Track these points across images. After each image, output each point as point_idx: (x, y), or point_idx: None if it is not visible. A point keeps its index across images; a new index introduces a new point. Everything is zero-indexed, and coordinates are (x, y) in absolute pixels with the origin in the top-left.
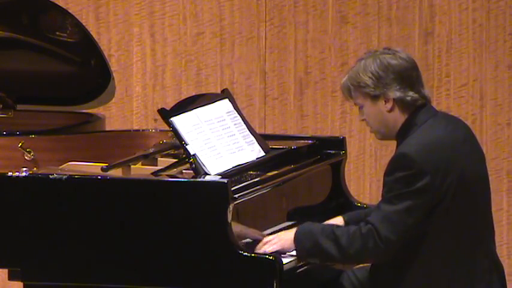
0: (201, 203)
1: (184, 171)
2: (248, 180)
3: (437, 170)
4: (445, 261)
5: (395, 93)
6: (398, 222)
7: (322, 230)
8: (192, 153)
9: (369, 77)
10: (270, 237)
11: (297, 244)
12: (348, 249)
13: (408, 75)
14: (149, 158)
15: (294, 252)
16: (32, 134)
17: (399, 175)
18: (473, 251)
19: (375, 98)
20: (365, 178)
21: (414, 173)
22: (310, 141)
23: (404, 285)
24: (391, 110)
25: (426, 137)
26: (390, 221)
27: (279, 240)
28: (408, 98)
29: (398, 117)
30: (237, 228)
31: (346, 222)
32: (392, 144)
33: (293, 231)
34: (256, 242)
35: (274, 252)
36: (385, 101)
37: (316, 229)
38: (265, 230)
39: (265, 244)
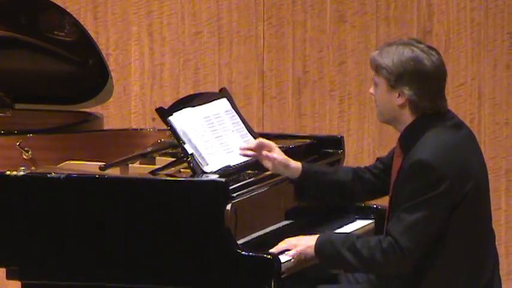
0: (199, 202)
1: (182, 170)
2: (246, 179)
3: (455, 173)
4: (461, 262)
5: (411, 94)
6: (419, 232)
7: (344, 241)
8: (189, 152)
9: (396, 65)
10: (292, 239)
11: (318, 254)
12: (370, 263)
13: (430, 83)
14: (147, 157)
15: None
16: (30, 133)
17: (418, 183)
18: (485, 249)
19: (391, 87)
20: None
21: (433, 180)
22: (308, 140)
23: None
24: (401, 106)
25: (439, 140)
26: (411, 231)
27: (300, 246)
28: (421, 104)
29: (405, 115)
30: None
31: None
32: (391, 144)
33: (314, 239)
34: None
35: (292, 255)
36: (398, 95)
37: (337, 239)
38: (263, 229)
39: (284, 244)
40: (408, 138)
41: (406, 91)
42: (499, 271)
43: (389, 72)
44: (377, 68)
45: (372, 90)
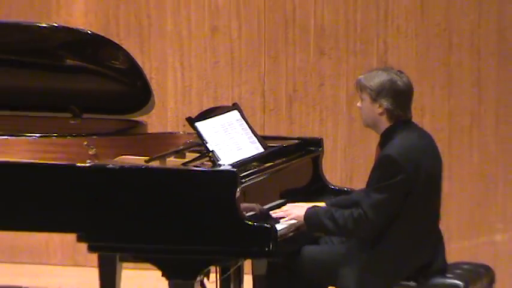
0: (217, 186)
1: (205, 162)
2: (251, 169)
3: (411, 167)
4: (413, 235)
5: (387, 105)
6: (382, 208)
7: (325, 212)
8: (210, 149)
9: (376, 84)
10: (287, 208)
11: (306, 221)
12: (344, 228)
13: (402, 97)
14: (179, 153)
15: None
16: (94, 135)
17: (384, 171)
18: (433, 228)
19: (373, 100)
20: (337, 168)
21: (395, 169)
22: (296, 141)
23: (382, 253)
24: (380, 114)
25: (404, 142)
26: (376, 206)
27: (292, 214)
28: (395, 112)
29: (384, 121)
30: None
31: (327, 205)
32: (358, 144)
33: (304, 208)
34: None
35: (286, 222)
36: (379, 106)
37: (321, 211)
38: (264, 205)
39: (282, 213)
40: (386, 138)
41: (384, 103)
42: (444, 251)
43: (372, 90)
44: (363, 87)
45: (359, 104)
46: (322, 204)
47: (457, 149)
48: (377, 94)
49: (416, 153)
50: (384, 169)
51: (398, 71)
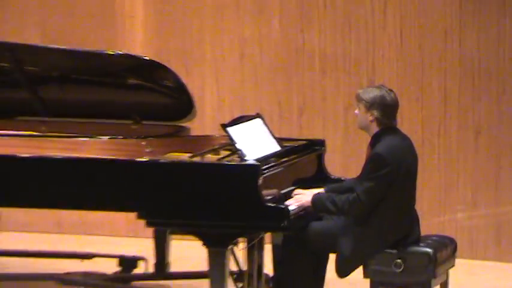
0: (244, 176)
1: (234, 158)
2: (270, 163)
3: (395, 163)
4: (395, 214)
5: (377, 115)
6: (372, 193)
7: (328, 196)
8: (239, 148)
9: (370, 98)
10: (298, 196)
11: (313, 204)
12: (342, 209)
13: (388, 110)
14: (215, 151)
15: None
16: (150, 137)
17: (374, 164)
18: (410, 209)
19: (367, 110)
20: (335, 163)
21: (383, 164)
22: (305, 142)
23: (371, 227)
24: (371, 121)
25: (390, 143)
26: (367, 192)
27: (302, 199)
28: (383, 121)
29: (374, 127)
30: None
31: (326, 191)
32: (352, 145)
33: (311, 195)
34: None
35: (297, 205)
36: (370, 115)
37: (324, 196)
38: (280, 191)
39: (294, 198)
40: (375, 140)
41: (375, 113)
42: (419, 226)
43: (366, 102)
44: (360, 99)
45: (356, 111)
46: (322, 189)
47: (428, 149)
48: (370, 105)
49: (399, 152)
50: (374, 163)
51: (389, 89)
